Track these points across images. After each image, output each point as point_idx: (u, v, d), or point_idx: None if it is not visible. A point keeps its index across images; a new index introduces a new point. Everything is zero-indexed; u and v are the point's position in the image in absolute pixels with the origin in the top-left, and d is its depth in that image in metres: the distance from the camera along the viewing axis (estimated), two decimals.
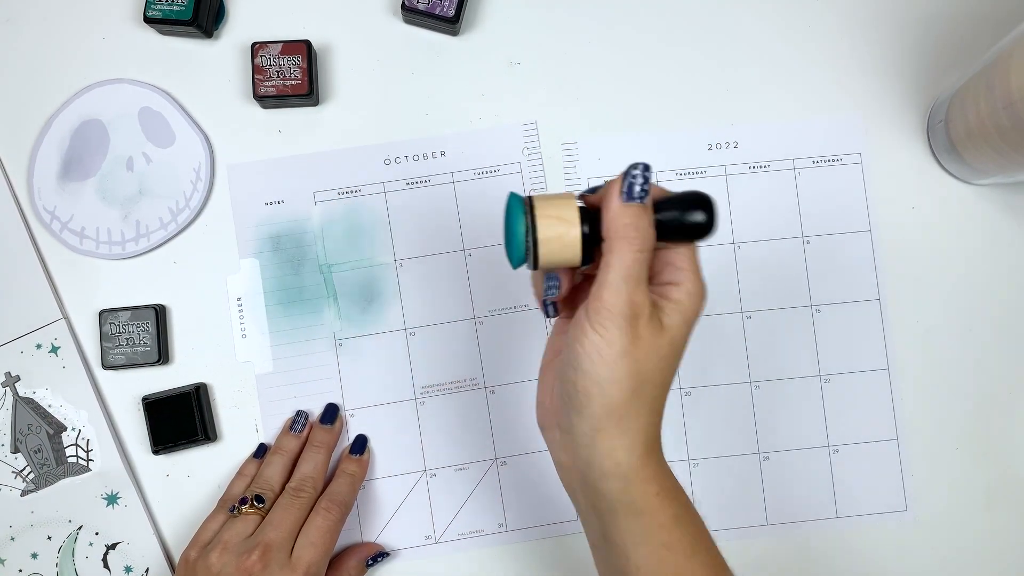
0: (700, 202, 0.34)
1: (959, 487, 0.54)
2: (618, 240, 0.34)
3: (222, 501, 0.51)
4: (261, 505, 0.48)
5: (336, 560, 0.51)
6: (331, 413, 0.53)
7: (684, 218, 0.34)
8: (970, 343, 0.54)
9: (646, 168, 0.34)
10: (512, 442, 0.54)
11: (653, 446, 0.36)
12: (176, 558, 0.53)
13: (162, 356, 0.53)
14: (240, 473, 0.52)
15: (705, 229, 0.34)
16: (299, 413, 0.53)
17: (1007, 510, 0.53)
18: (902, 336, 0.54)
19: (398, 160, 0.55)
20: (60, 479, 0.53)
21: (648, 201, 0.34)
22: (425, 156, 0.55)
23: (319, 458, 0.51)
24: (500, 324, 0.54)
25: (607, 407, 0.34)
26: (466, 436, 0.54)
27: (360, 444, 0.53)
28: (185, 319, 0.54)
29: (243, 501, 0.48)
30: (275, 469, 0.50)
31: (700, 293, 0.35)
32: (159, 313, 0.53)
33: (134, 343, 0.53)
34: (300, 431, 0.52)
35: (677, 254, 0.35)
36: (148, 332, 0.53)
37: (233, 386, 0.54)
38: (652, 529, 0.35)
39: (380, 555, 0.52)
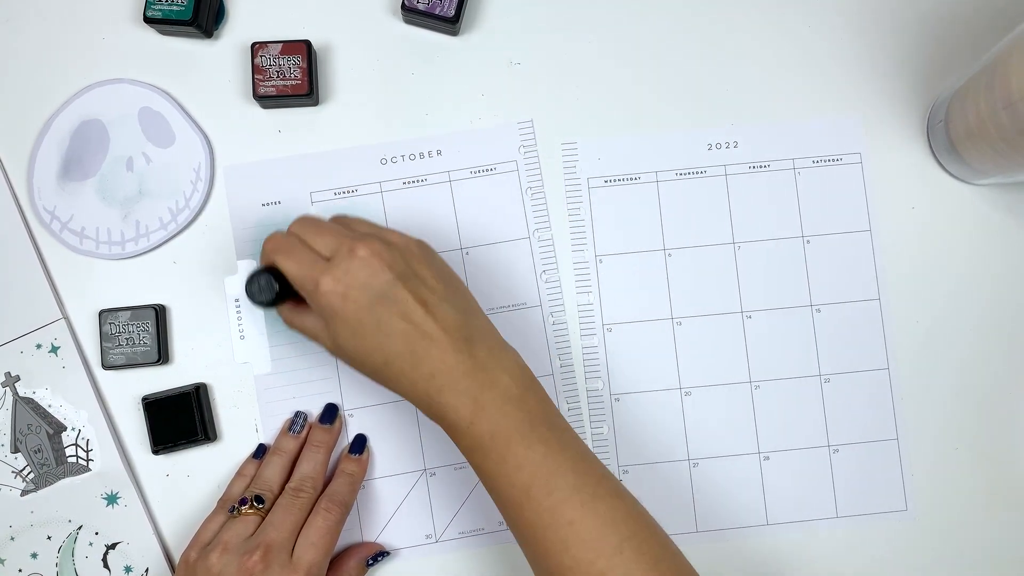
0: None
1: (959, 487, 0.53)
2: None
3: (222, 501, 0.51)
4: (261, 505, 0.48)
5: (336, 560, 0.51)
6: (330, 413, 0.53)
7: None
8: (970, 343, 0.54)
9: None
10: None
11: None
12: (176, 558, 0.53)
13: (162, 356, 0.53)
14: (239, 473, 0.52)
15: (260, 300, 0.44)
16: (298, 414, 0.53)
17: (1007, 510, 0.53)
18: (902, 336, 0.54)
19: (394, 160, 0.55)
20: (60, 479, 0.53)
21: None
22: (421, 155, 0.55)
23: (318, 458, 0.51)
24: (499, 323, 0.54)
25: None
26: None
27: (359, 444, 0.53)
28: (185, 319, 0.54)
29: (243, 502, 0.48)
30: (274, 469, 0.50)
31: (308, 291, 0.43)
32: (159, 313, 0.53)
33: (134, 343, 0.53)
34: (299, 431, 0.52)
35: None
36: (148, 332, 0.53)
37: (233, 386, 0.54)
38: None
39: (380, 554, 0.52)
